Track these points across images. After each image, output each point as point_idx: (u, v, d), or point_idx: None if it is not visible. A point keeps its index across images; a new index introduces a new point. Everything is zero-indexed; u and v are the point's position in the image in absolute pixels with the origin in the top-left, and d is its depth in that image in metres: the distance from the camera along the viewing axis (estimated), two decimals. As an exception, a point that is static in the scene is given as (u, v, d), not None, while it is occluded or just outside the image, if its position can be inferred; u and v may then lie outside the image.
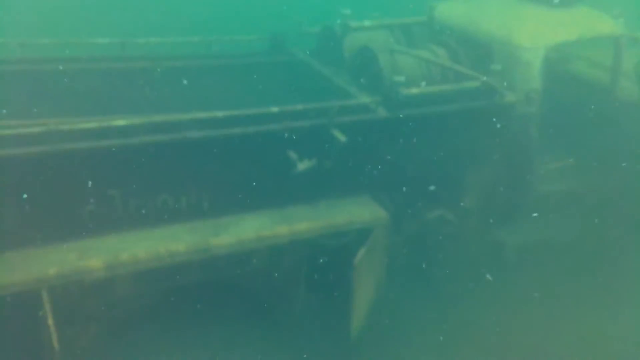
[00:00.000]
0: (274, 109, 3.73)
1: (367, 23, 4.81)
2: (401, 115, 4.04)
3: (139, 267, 3.26)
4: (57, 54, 4.50)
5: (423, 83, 4.25)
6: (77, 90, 4.13)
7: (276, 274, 3.77)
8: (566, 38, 4.48)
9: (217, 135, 3.52)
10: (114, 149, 3.23)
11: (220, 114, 3.57)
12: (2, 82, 4.01)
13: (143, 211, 3.46)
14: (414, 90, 4.06)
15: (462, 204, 4.41)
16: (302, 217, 3.78)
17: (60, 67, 4.30)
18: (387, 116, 4.04)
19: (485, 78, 4.16)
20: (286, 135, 3.75)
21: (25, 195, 3.12)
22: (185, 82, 4.56)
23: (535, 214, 4.51)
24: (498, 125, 4.27)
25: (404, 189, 4.20)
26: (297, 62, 5.15)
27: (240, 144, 3.65)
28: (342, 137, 3.78)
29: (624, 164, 4.41)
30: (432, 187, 4.21)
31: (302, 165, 3.75)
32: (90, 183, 3.27)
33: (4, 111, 3.37)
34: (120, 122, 3.28)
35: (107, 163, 3.26)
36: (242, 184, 3.74)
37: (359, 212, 3.92)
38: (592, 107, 4.51)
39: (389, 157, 4.10)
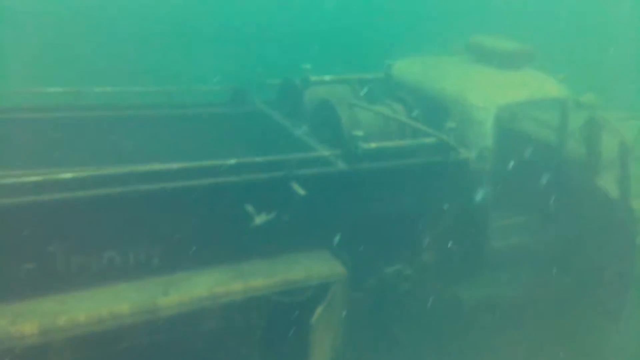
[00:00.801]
0: (232, 161, 3.69)
1: (327, 77, 4.95)
2: (360, 169, 4.09)
3: (77, 332, 3.03)
4: (8, 104, 4.35)
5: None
6: (27, 141, 3.97)
7: (229, 334, 3.60)
8: (516, 99, 4.74)
9: (171, 188, 3.43)
10: (57, 203, 3.07)
11: (175, 166, 3.50)
12: None
13: (86, 269, 3.27)
14: (373, 145, 4.14)
15: (419, 258, 4.43)
16: (258, 273, 3.68)
17: (10, 117, 4.14)
18: (347, 170, 4.07)
19: (441, 135, 4.30)
20: (244, 188, 3.70)
21: None
22: (143, 132, 4.49)
23: (491, 270, 4.58)
24: (453, 181, 4.39)
25: (363, 243, 4.18)
26: (258, 113, 5.19)
27: (195, 197, 3.56)
28: (301, 191, 3.76)
29: (572, 221, 4.58)
30: (390, 242, 4.21)
31: (259, 219, 3.68)
32: (29, 239, 3.07)
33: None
34: (66, 176, 3.14)
35: (49, 217, 3.09)
36: (196, 239, 3.62)
37: (317, 267, 3.85)
38: (542, 165, 4.72)
39: (347, 211, 4.10)
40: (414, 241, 4.42)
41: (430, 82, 4.97)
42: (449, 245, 4.41)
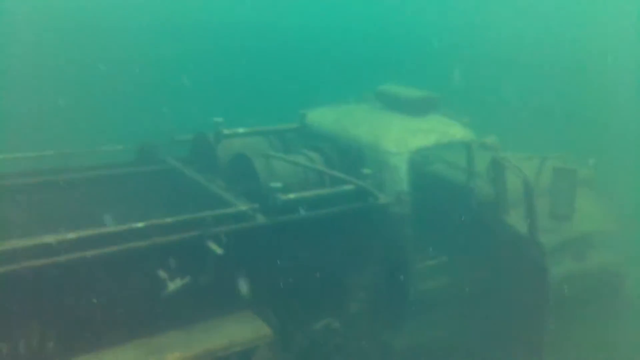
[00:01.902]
0: (139, 225, 3.46)
1: (240, 130, 4.92)
2: (280, 222, 4.02)
3: None
4: None
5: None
6: None
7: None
8: (425, 143, 5.01)
9: (66, 261, 3.10)
10: None
11: (71, 235, 3.19)
12: None
13: None
14: (292, 196, 4.11)
15: (347, 309, 4.37)
16: (175, 346, 3.39)
17: None
18: (266, 223, 3.98)
19: (358, 181, 4.39)
20: (155, 253, 3.46)
21: None
22: (35, 201, 4.10)
23: (419, 313, 4.62)
24: (374, 227, 4.45)
25: (288, 299, 4.05)
26: (169, 170, 4.99)
27: (98, 269, 3.26)
28: (217, 249, 3.60)
29: (488, 259, 4.81)
30: (316, 295, 4.12)
31: (173, 285, 3.45)
32: None
33: None
34: None
35: None
36: (100, 314, 3.28)
37: (239, 331, 3.64)
38: (456, 205, 4.97)
39: (269, 267, 3.98)
40: (339, 292, 4.36)
41: (345, 130, 5.13)
42: (375, 292, 4.40)
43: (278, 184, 4.09)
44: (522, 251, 4.45)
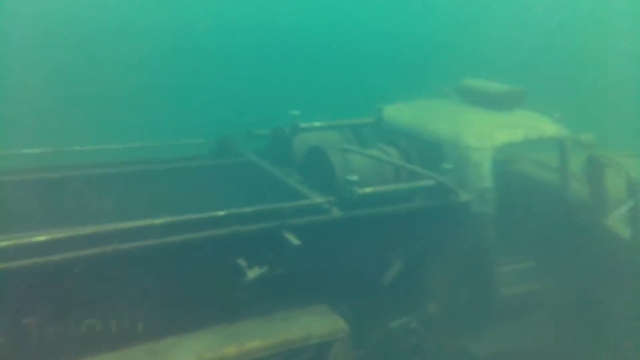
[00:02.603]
0: (220, 213, 3.56)
1: (316, 124, 4.94)
2: (356, 216, 3.97)
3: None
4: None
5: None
6: (5, 205, 3.82)
7: (223, 406, 3.31)
8: (512, 139, 4.74)
9: (154, 245, 3.26)
10: (30, 269, 2.88)
11: (158, 221, 3.35)
12: None
13: (64, 340, 3.02)
14: (368, 190, 4.05)
15: (425, 310, 4.23)
16: (254, 334, 3.45)
17: None
18: (342, 216, 3.95)
19: (438, 177, 4.24)
20: (234, 241, 3.55)
21: None
22: (126, 190, 4.37)
23: (501, 320, 4.38)
24: (455, 225, 4.28)
25: (364, 295, 3.99)
26: (247, 163, 5.12)
27: (182, 254, 3.39)
28: (295, 240, 3.62)
29: (580, 265, 4.46)
30: (393, 293, 4.03)
31: (252, 274, 3.51)
32: (2, 309, 2.85)
33: None
34: (39, 238, 2.97)
35: (21, 286, 2.88)
36: (184, 299, 3.41)
37: (316, 324, 3.63)
38: (544, 207, 4.65)
39: (345, 261, 3.94)
40: (418, 291, 4.23)
41: (423, 125, 4.99)
42: (456, 294, 4.23)
43: (354, 177, 4.04)
44: (625, 257, 4.07)
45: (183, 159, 5.06)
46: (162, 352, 3.19)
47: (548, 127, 4.90)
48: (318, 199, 4.08)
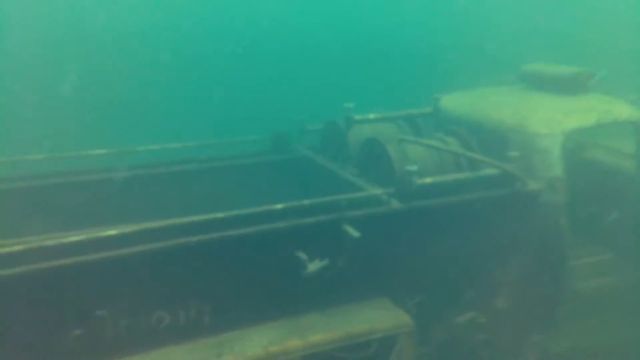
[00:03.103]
0: (279, 206, 3.58)
1: (371, 115, 4.87)
2: (417, 207, 3.88)
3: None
4: (51, 169, 4.48)
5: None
6: (73, 204, 4.03)
7: (288, 399, 3.32)
8: (583, 123, 4.46)
9: (216, 238, 3.33)
10: (103, 263, 3.01)
11: (220, 215, 3.42)
12: None
13: (136, 332, 3.14)
14: (428, 180, 3.94)
15: (493, 305, 4.06)
16: (317, 328, 3.44)
17: (54, 182, 4.25)
18: (402, 208, 3.87)
19: (504, 165, 4.07)
20: (293, 234, 3.56)
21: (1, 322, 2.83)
22: (184, 187, 4.50)
23: (577, 316, 4.13)
24: (523, 216, 4.09)
25: (427, 289, 3.89)
26: (301, 159, 5.13)
27: (243, 247, 3.44)
28: (354, 233, 3.58)
29: None
30: (457, 287, 3.90)
31: (313, 266, 3.50)
32: (77, 303, 3.00)
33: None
34: (110, 233, 3.10)
35: (95, 279, 3.01)
36: (246, 292, 3.46)
37: (379, 318, 3.57)
38: (620, 197, 4.35)
39: (406, 253, 3.86)
40: (485, 285, 4.08)
41: (484, 113, 4.81)
42: (526, 288, 4.03)
43: (413, 167, 3.95)
44: None
45: (238, 156, 5.15)
46: (228, 344, 3.23)
47: (622, 110, 4.58)
48: (376, 190, 4.02)
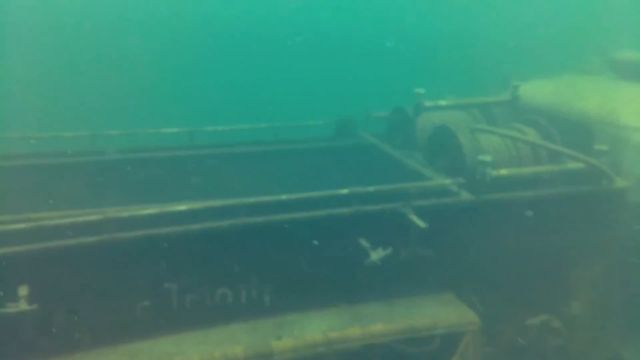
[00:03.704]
0: (343, 191, 3.52)
1: (442, 102, 4.67)
2: (490, 200, 3.68)
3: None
4: (124, 145, 4.69)
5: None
6: (142, 180, 4.18)
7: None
8: None
9: (280, 220, 3.32)
10: (172, 237, 3.10)
11: (283, 197, 3.41)
12: (68, 174, 4.13)
13: (200, 307, 3.22)
14: (504, 172, 3.72)
15: (569, 309, 3.79)
16: (377, 317, 3.36)
17: (125, 157, 4.44)
18: (472, 200, 3.69)
19: (590, 159, 3.76)
20: (357, 220, 3.49)
21: (74, 290, 2.99)
22: (250, 168, 4.55)
23: None
24: (607, 215, 3.77)
25: (496, 287, 3.69)
26: (367, 145, 5.04)
27: (306, 230, 3.41)
28: (421, 223, 3.45)
29: None
30: (530, 287, 3.67)
31: (376, 255, 3.41)
32: (147, 275, 3.11)
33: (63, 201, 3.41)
34: (181, 207, 3.18)
35: (165, 252, 3.11)
36: (308, 276, 3.44)
37: (443, 313, 3.43)
38: None
39: (475, 248, 3.68)
40: (560, 287, 3.81)
41: (567, 103, 4.48)
42: (607, 293, 3.73)
43: (487, 158, 3.74)
44: None
45: (303, 140, 5.14)
46: (289, 326, 3.24)
47: None
48: (445, 180, 3.86)
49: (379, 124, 5.31)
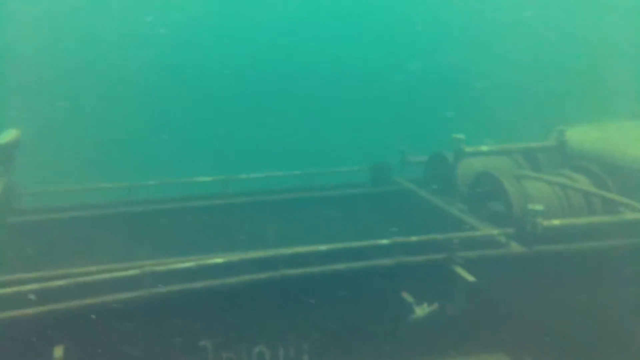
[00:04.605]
0: (384, 241, 3.38)
1: (484, 148, 4.53)
2: (542, 252, 3.48)
3: None
4: (159, 196, 4.71)
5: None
6: (175, 230, 4.15)
7: None
8: None
9: (319, 272, 3.19)
10: (209, 291, 2.98)
11: (323, 247, 3.29)
12: (103, 226, 4.13)
13: None
14: (556, 222, 3.52)
15: None
16: (423, 380, 3.13)
17: (160, 208, 4.43)
18: (524, 252, 3.49)
19: None
20: (400, 272, 3.32)
21: (108, 350, 2.87)
22: (285, 215, 4.47)
23: None
24: None
25: (552, 346, 3.41)
26: (404, 191, 4.91)
27: (345, 283, 3.26)
28: (469, 277, 3.27)
29: None
30: (594, 348, 3.37)
31: (421, 311, 3.22)
32: (182, 331, 2.98)
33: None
34: (217, 260, 3.08)
35: (201, 307, 2.99)
36: (348, 333, 3.26)
37: (497, 378, 3.18)
38: None
39: (528, 303, 3.45)
40: (621, 345, 3.50)
41: (618, 149, 4.28)
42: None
43: (539, 207, 3.55)
44: None
45: (337, 187, 5.05)
46: (328, 389, 3.04)
47: None
48: (492, 230, 3.68)
49: (415, 168, 5.20)
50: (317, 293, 3.22)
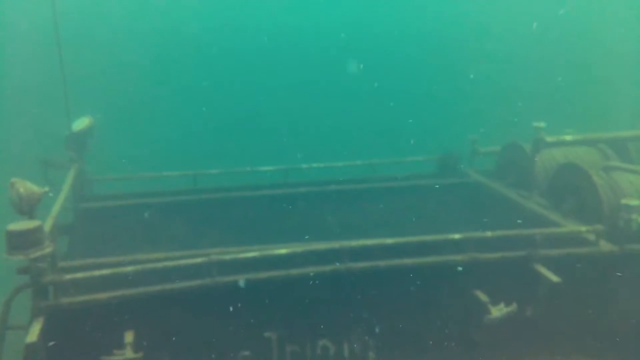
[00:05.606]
0: (456, 236, 3.17)
1: (568, 137, 4.17)
2: (636, 251, 3.16)
3: None
4: (221, 184, 4.73)
5: None
6: (238, 218, 4.15)
7: None
8: None
9: (386, 266, 3.04)
10: (274, 281, 2.91)
11: (389, 240, 3.14)
12: (170, 213, 4.18)
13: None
14: None
15: None
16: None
17: (223, 196, 4.44)
18: (615, 251, 3.19)
19: None
20: (473, 269, 3.11)
21: (177, 337, 2.88)
22: (349, 206, 4.35)
23: None
24: None
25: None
26: (474, 183, 4.66)
27: (414, 279, 3.10)
28: (553, 277, 3.01)
29: None
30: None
31: (497, 312, 3.01)
32: (248, 322, 2.94)
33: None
34: (281, 251, 3.01)
35: (266, 298, 2.94)
36: (416, 331, 3.10)
37: (583, 387, 2.91)
38: None
39: (618, 307, 3.17)
40: None
41: None
42: None
43: (634, 202, 3.21)
44: None
45: (402, 178, 4.87)
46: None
47: None
48: (579, 227, 3.37)
49: (486, 159, 4.91)
50: (384, 288, 3.08)
